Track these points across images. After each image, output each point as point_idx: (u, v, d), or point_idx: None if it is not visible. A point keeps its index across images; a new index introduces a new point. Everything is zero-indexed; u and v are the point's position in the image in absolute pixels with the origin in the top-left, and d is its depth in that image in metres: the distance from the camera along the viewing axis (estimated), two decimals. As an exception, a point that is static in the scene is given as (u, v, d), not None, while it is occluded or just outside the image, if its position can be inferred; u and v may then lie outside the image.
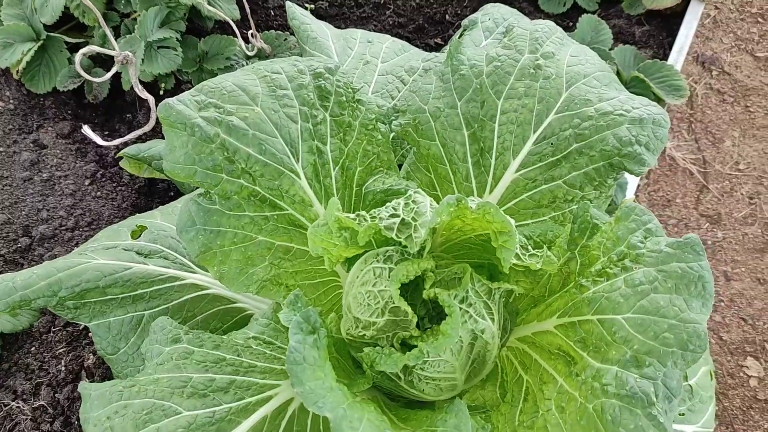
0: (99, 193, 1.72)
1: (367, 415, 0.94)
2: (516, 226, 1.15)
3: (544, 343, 1.15)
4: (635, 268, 1.04)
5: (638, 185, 2.21)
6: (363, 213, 1.06)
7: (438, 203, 1.00)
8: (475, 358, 1.13)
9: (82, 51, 1.24)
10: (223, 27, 1.97)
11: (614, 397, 0.97)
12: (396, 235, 1.01)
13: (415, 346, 1.03)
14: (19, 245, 1.62)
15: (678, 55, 1.88)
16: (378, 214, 1.05)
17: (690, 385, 1.34)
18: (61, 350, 1.51)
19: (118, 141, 1.34)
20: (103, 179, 1.75)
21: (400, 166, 1.43)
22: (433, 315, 1.14)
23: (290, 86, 1.24)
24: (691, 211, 2.20)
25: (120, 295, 1.26)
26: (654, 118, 1.22)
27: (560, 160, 1.26)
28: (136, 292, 1.27)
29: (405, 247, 1.04)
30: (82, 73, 1.28)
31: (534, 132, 1.27)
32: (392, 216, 1.03)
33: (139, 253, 1.30)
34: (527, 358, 1.18)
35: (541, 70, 1.28)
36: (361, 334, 1.10)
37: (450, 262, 1.20)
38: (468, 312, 1.09)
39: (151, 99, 1.32)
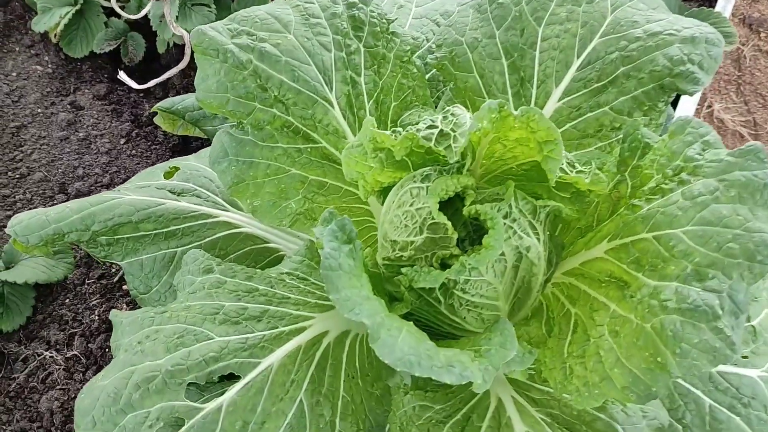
0: (134, 151, 1.71)
1: (406, 327, 0.88)
2: (562, 154, 1.09)
3: (593, 272, 1.07)
4: (693, 180, 0.97)
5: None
6: (399, 129, 1.01)
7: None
8: (520, 286, 1.06)
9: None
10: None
11: (675, 313, 0.89)
12: (435, 144, 0.95)
13: (455, 263, 0.97)
14: (55, 202, 1.61)
15: (726, 3, 1.78)
16: (416, 126, 0.99)
17: (753, 326, 1.24)
18: (94, 302, 1.49)
19: (152, 82, 1.32)
20: (138, 138, 1.73)
21: (436, 105, 1.38)
22: (474, 237, 1.07)
23: (323, 15, 1.20)
24: (742, 175, 2.09)
25: (153, 232, 1.23)
26: (707, 37, 1.14)
27: (606, 85, 1.18)
28: (169, 229, 1.24)
29: (444, 164, 0.98)
30: (125, 13, 1.26)
31: (577, 57, 1.20)
32: (430, 127, 0.97)
33: (172, 191, 1.27)
34: (575, 290, 1.11)
35: (585, -8, 1.22)
36: (398, 255, 1.04)
37: (494, 184, 1.14)
38: (512, 227, 1.02)
39: (185, 35, 1.29)
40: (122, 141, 1.72)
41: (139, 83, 1.85)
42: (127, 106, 1.79)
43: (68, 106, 1.76)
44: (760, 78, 2.26)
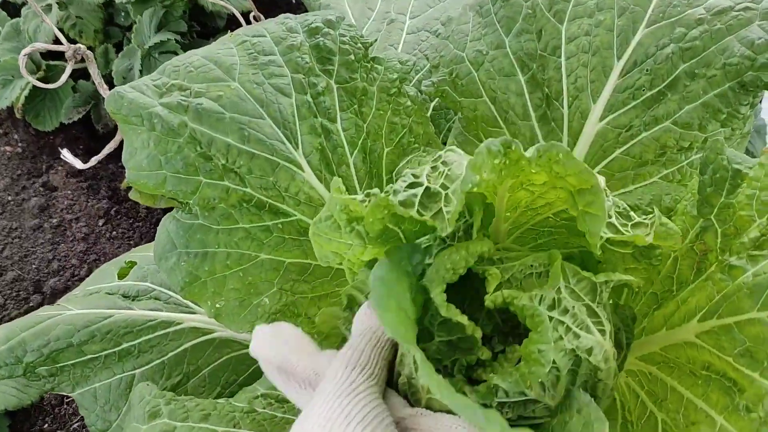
0: (114, 232, 1.48)
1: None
2: (614, 196, 0.78)
3: (683, 362, 0.75)
4: (822, 225, 0.64)
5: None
6: (375, 190, 0.71)
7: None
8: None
9: (23, 51, 0.99)
10: (231, 20, 1.70)
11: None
12: (418, 211, 0.66)
13: (483, 381, 0.67)
14: (30, 304, 1.40)
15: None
16: (393, 187, 0.69)
17: None
18: (76, 424, 1.25)
19: (93, 160, 1.08)
20: (118, 216, 1.51)
21: (444, 144, 1.08)
22: (506, 332, 0.76)
23: (277, 50, 0.93)
24: None
25: (102, 353, 0.97)
26: (802, 4, 0.80)
27: (663, 92, 0.86)
28: (122, 347, 0.98)
29: (437, 230, 0.68)
30: (27, 76, 1.03)
31: (618, 59, 0.89)
32: (412, 185, 0.68)
33: (125, 295, 1.02)
34: (659, 386, 0.79)
35: None
36: (403, 381, 0.74)
37: (524, 255, 0.82)
38: (564, 323, 0.70)
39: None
40: (100, 222, 1.50)
41: (119, 150, 1.63)
42: (104, 180, 1.57)
43: (41, 189, 1.56)
44: None
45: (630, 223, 0.71)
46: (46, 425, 1.27)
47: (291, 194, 0.90)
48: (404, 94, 0.99)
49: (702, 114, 0.85)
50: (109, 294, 1.03)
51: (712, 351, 0.70)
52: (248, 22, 1.54)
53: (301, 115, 0.92)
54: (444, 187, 0.67)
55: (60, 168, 1.58)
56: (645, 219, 0.71)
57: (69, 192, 1.54)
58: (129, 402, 0.98)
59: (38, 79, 1.60)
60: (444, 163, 0.70)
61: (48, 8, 1.60)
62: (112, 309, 0.99)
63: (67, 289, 1.41)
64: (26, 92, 1.57)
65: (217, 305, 0.90)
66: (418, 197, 0.66)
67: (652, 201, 0.86)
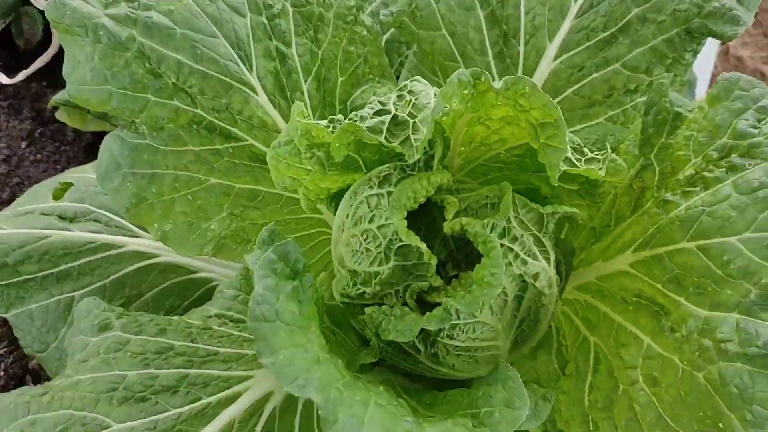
0: (39, 155, 1.43)
1: (374, 398, 0.64)
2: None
3: (615, 290, 0.83)
4: (749, 164, 0.71)
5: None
6: (338, 117, 0.74)
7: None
8: (524, 317, 0.81)
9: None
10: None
11: (739, 359, 0.65)
12: (386, 138, 0.70)
13: (438, 304, 0.72)
14: (-54, 227, 1.35)
15: None
16: (359, 114, 0.72)
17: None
18: (1, 351, 1.24)
19: (21, 75, 1.04)
20: (43, 139, 1.46)
21: (398, 78, 1.11)
22: (459, 258, 0.81)
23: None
24: None
25: (39, 274, 0.98)
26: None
27: (615, 34, 0.92)
28: (60, 268, 0.98)
29: (403, 159, 0.72)
30: None
31: (575, 1, 0.93)
32: (379, 113, 0.71)
33: (62, 217, 1.01)
34: (593, 312, 0.87)
35: None
36: (360, 291, 0.79)
37: (477, 188, 0.87)
38: (513, 250, 0.76)
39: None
40: (23, 144, 1.44)
41: (44, 70, 1.56)
42: (26, 99, 1.51)
43: (-49, 106, 1.48)
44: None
45: (584, 158, 0.77)
46: (-32, 352, 1.25)
47: (244, 118, 0.91)
48: (360, 23, 1.00)
49: (650, 58, 0.91)
50: (44, 215, 1.01)
51: (644, 279, 0.77)
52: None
53: (256, 36, 0.92)
54: (411, 115, 0.71)
55: (-23, 84, 1.51)
56: (597, 155, 0.77)
57: (-14, 110, 1.47)
58: (70, 319, 0.99)
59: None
60: (411, 92, 0.74)
61: None
62: (48, 230, 0.99)
63: (-12, 213, 1.36)
64: (-62, -2, 1.47)
65: (165, 228, 0.91)
66: (386, 124, 0.69)
67: (597, 140, 0.92)
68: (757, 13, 1.89)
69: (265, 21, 0.92)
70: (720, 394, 0.65)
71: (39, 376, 1.24)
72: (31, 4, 1.56)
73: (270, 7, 0.92)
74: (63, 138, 1.48)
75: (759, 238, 0.67)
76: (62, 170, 1.45)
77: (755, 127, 0.72)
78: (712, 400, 0.66)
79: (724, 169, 0.73)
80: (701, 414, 0.67)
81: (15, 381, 1.23)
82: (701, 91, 1.56)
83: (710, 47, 1.59)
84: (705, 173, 0.74)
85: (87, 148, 1.48)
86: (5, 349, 1.27)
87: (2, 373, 1.24)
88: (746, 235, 0.68)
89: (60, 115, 1.38)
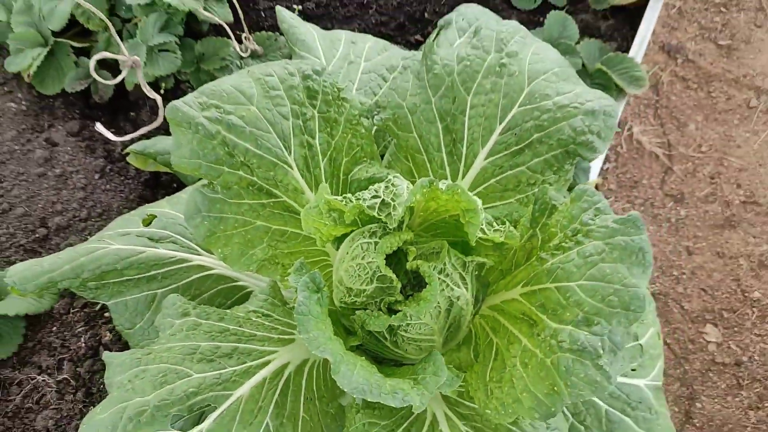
0: (108, 186, 1.85)
1: (359, 362, 1.10)
2: (485, 208, 1.31)
3: (510, 310, 1.29)
4: (586, 241, 1.19)
5: (607, 168, 2.35)
6: (349, 195, 1.21)
7: (415, 187, 1.15)
8: (452, 323, 1.28)
9: (95, 57, 1.37)
10: (217, 29, 2.09)
11: (568, 352, 1.11)
12: (377, 212, 1.16)
13: (400, 311, 1.18)
14: (37, 235, 1.76)
15: (639, 48, 2.01)
16: (362, 196, 1.19)
17: (641, 345, 1.49)
18: (80, 329, 1.65)
19: (128, 137, 1.47)
20: (112, 173, 1.88)
21: (382, 157, 1.57)
22: (414, 284, 1.28)
23: (282, 87, 1.38)
24: (657, 191, 2.35)
25: (135, 276, 1.40)
26: (605, 109, 1.36)
27: (523, 148, 1.40)
28: (150, 273, 1.41)
29: (386, 224, 1.18)
30: (97, 77, 1.41)
31: (500, 124, 1.41)
32: (374, 197, 1.17)
33: (151, 238, 1.44)
34: (497, 323, 1.33)
35: (506, 68, 1.42)
36: (352, 301, 1.24)
37: (429, 240, 1.35)
38: (445, 281, 1.23)
39: (158, 99, 1.45)
40: (97, 176, 1.86)
41: (108, 119, 1.99)
42: (99, 142, 1.93)
43: (44, 143, 1.89)
44: (675, 102, 2.51)
45: (493, 229, 1.25)
46: (55, 328, 1.65)
47: (282, 184, 1.36)
48: (361, 124, 1.46)
49: (543, 165, 1.39)
50: (139, 237, 1.44)
51: (526, 304, 1.24)
52: (234, 34, 1.94)
53: (294, 133, 1.37)
54: (392, 200, 1.17)
55: (60, 127, 1.92)
56: (500, 228, 1.25)
57: (69, 148, 1.88)
58: (153, 307, 1.42)
59: (46, 53, 1.93)
60: (393, 185, 1.20)
61: (62, -6, 1.92)
62: (143, 247, 1.42)
63: (69, 226, 1.77)
64: (38, 62, 1.89)
65: (225, 252, 1.35)
66: (378, 205, 1.16)
67: (508, 214, 1.39)
68: (658, 108, 2.42)
69: (301, 123, 1.38)
70: (557, 371, 1.11)
71: (109, 348, 1.65)
72: (107, 69, 1.99)
73: (304, 114, 1.38)
74: (127, 174, 1.90)
75: (586, 285, 1.14)
76: (125, 199, 1.87)
77: (592, 220, 1.20)
78: (553, 375, 1.12)
79: (573, 243, 1.20)
80: (547, 383, 1.13)
81: (91, 351, 1.64)
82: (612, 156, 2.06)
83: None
84: (563, 243, 1.22)
85: (144, 182, 1.90)
86: (83, 328, 1.68)
87: (83, 344, 1.65)
88: (580, 282, 1.15)
89: (130, 159, 1.80)
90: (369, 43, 1.79)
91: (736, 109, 2.48)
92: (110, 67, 1.99)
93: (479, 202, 1.17)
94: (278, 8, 1.81)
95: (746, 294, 2.12)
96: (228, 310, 1.32)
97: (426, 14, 2.32)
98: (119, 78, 1.46)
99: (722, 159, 2.40)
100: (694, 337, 2.10)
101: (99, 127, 1.52)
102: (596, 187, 2.29)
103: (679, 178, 2.36)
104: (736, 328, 2.09)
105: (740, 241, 2.23)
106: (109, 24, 1.58)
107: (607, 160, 2.34)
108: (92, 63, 1.36)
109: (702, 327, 2.12)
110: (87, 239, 1.70)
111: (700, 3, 2.74)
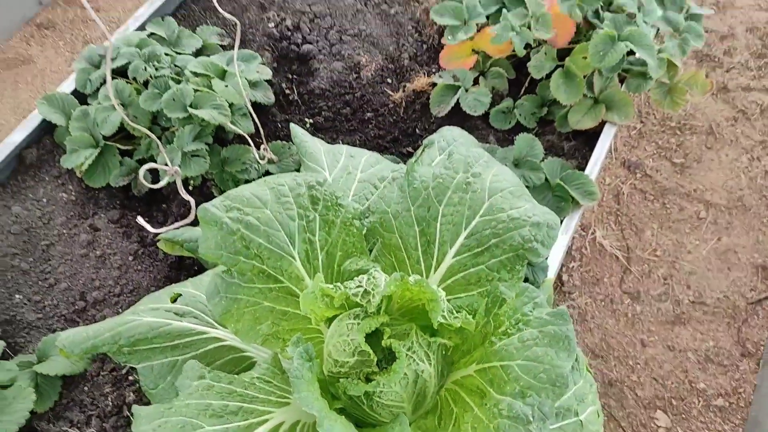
0: (140, 266, 2.15)
1: (340, 420, 1.35)
2: (453, 298, 1.60)
3: (467, 383, 1.55)
4: (525, 329, 1.47)
5: (573, 266, 2.64)
6: (339, 284, 1.50)
7: (392, 280, 1.44)
8: (418, 393, 1.54)
9: (145, 166, 1.70)
10: (240, 138, 2.45)
11: (506, 418, 1.37)
12: (360, 299, 1.44)
13: (374, 380, 1.45)
14: (76, 307, 2.03)
15: (594, 167, 2.35)
16: (349, 285, 1.48)
17: (581, 420, 1.73)
18: (107, 390, 1.90)
19: (164, 229, 1.79)
20: (143, 256, 2.18)
21: (371, 251, 1.88)
22: (389, 359, 1.54)
23: (291, 194, 1.69)
24: (616, 289, 2.63)
25: (162, 345, 1.67)
26: (548, 222, 1.66)
27: (483, 251, 1.69)
28: (174, 342, 1.68)
29: (366, 308, 1.47)
30: (143, 181, 1.74)
31: (464, 230, 1.71)
32: (358, 286, 1.46)
33: (176, 313, 1.73)
34: (457, 395, 1.58)
35: (471, 185, 1.74)
36: (338, 370, 1.51)
37: (403, 323, 1.63)
38: (412, 357, 1.50)
39: (192, 201, 1.78)
40: (130, 258, 2.16)
41: (143, 209, 2.32)
42: (135, 229, 2.24)
43: (88, 228, 2.21)
44: (634, 211, 2.83)
45: (453, 316, 1.53)
46: (87, 388, 1.90)
47: (288, 272, 1.66)
48: (354, 225, 1.77)
49: (499, 265, 1.68)
50: (166, 311, 1.73)
51: (479, 379, 1.50)
52: (254, 143, 2.30)
53: (299, 231, 1.68)
54: (372, 289, 1.46)
55: (103, 215, 2.24)
56: (458, 315, 1.53)
57: (109, 234, 2.20)
58: (174, 371, 1.68)
59: (98, 153, 2.28)
60: (374, 277, 1.49)
61: (114, 107, 2.30)
62: (169, 320, 1.70)
63: (104, 300, 2.05)
64: (89, 161, 2.24)
65: (237, 327, 1.63)
66: (361, 293, 1.45)
67: (469, 304, 1.68)
68: (619, 215, 2.73)
69: (304, 223, 1.69)
70: (498, 434, 1.37)
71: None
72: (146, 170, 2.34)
73: (308, 216, 1.69)
74: (156, 257, 2.20)
75: (523, 364, 1.41)
76: (153, 278, 2.16)
77: (531, 311, 1.48)
78: (495, 437, 1.38)
79: (516, 329, 1.48)
80: (491, 443, 1.38)
81: (117, 409, 1.89)
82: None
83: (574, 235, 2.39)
84: (509, 330, 1.49)
85: (170, 264, 2.20)
86: (110, 389, 1.94)
87: (110, 402, 1.89)
88: (518, 362, 1.41)
89: (160, 244, 2.11)
90: (365, 156, 2.13)
91: (688, 220, 2.80)
92: (145, 163, 2.34)
93: (441, 293, 1.46)
94: (292, 125, 2.17)
95: (693, 384, 2.35)
96: (236, 376, 1.58)
97: (417, 130, 2.68)
98: (162, 183, 1.79)
99: (674, 263, 2.68)
100: (646, 422, 2.32)
101: (140, 220, 1.83)
102: (556, 282, 2.57)
103: (636, 278, 2.64)
104: (683, 415, 2.31)
105: (689, 337, 2.48)
106: (152, 135, 1.93)
107: (572, 259, 2.63)
108: (142, 171, 1.69)
109: (653, 413, 2.34)
110: (119, 312, 1.99)
111: (658, 126, 3.11)
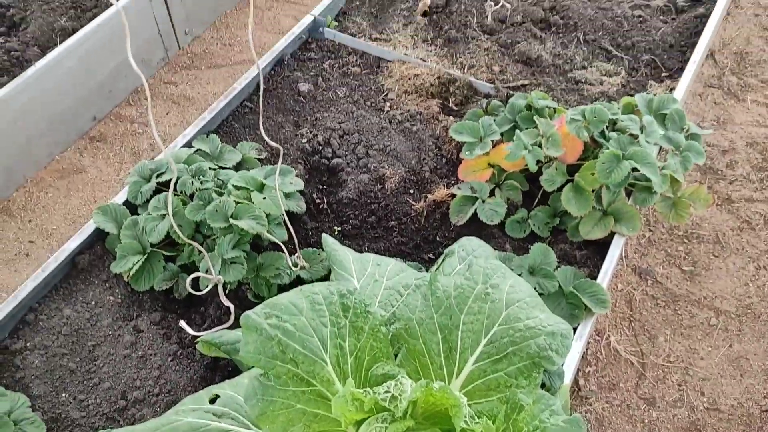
0: (178, 367, 2.27)
1: None
2: (473, 404, 1.69)
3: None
4: (544, 431, 1.55)
5: (589, 371, 2.71)
6: (368, 389, 1.61)
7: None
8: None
9: (192, 276, 1.86)
10: (274, 244, 2.63)
11: None
12: (388, 404, 1.55)
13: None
14: (117, 406, 2.14)
15: (605, 276, 2.47)
16: (377, 390, 1.59)
17: None
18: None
19: (205, 333, 1.92)
20: (181, 357, 2.30)
21: (396, 356, 1.99)
22: (413, 456, 1.63)
23: (324, 303, 1.84)
24: (632, 394, 2.68)
25: (200, 443, 1.77)
26: (562, 332, 1.78)
27: (501, 358, 1.80)
28: (211, 442, 1.78)
29: (394, 413, 1.57)
30: (189, 289, 1.90)
31: (484, 338, 1.83)
32: (386, 392, 1.57)
33: (215, 414, 1.83)
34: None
35: (489, 296, 1.87)
36: (368, 467, 1.59)
37: (427, 427, 1.72)
38: (437, 458, 1.58)
39: (232, 307, 1.92)
40: (170, 359, 2.29)
41: (183, 311, 2.46)
42: (174, 330, 2.38)
43: (131, 329, 2.35)
44: (646, 317, 2.92)
45: (474, 421, 1.62)
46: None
47: (320, 376, 1.77)
48: (381, 331, 1.90)
49: (517, 372, 1.79)
50: (206, 412, 1.83)
51: (500, 483, 1.57)
52: (287, 247, 2.47)
53: (330, 337, 1.81)
54: (399, 394, 1.57)
55: (146, 317, 2.39)
56: (479, 421, 1.62)
57: (150, 335, 2.33)
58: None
59: (144, 259, 2.46)
60: (400, 383, 1.60)
61: (162, 216, 2.50)
62: (209, 421, 1.80)
63: (144, 399, 2.16)
64: (136, 266, 2.42)
65: (272, 428, 1.73)
66: (388, 398, 1.55)
67: (489, 410, 1.77)
68: (632, 321, 2.83)
69: (336, 330, 1.82)
70: None
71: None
72: (186, 272, 2.51)
73: (339, 323, 1.83)
74: (193, 357, 2.32)
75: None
76: (190, 379, 2.27)
77: (548, 418, 1.58)
78: None
79: (534, 435, 1.57)
80: None
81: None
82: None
83: (578, 343, 2.48)
84: (527, 435, 1.58)
85: (206, 365, 2.31)
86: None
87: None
88: None
89: (199, 346, 2.24)
90: (390, 264, 2.29)
91: (699, 326, 2.87)
92: (189, 269, 2.51)
93: (463, 399, 1.56)
94: (324, 236, 2.34)
95: (713, 492, 2.35)
96: (271, 474, 1.67)
97: (437, 238, 2.85)
98: (205, 290, 1.95)
99: (688, 369, 2.74)
100: None
101: (182, 324, 1.97)
102: (573, 387, 2.63)
103: (651, 384, 2.70)
104: None
105: (706, 443, 2.51)
106: (196, 244, 2.11)
107: (588, 364, 2.70)
108: (189, 280, 1.85)
109: None
110: (157, 411, 2.09)
111: (666, 234, 3.25)
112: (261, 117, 1.97)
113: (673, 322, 2.90)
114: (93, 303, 2.41)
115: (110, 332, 2.32)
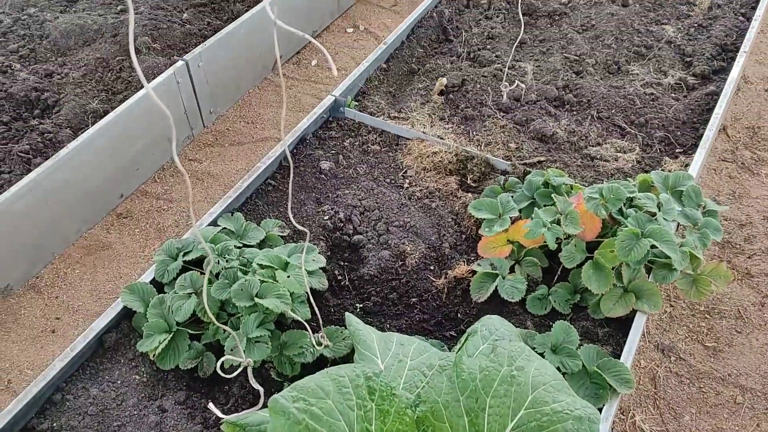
0: (200, 447, 2.28)
1: None
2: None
3: None
4: None
5: (615, 452, 2.67)
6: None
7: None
8: None
9: (223, 359, 1.90)
10: (298, 322, 2.67)
11: None
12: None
13: None
14: (139, 486, 2.14)
15: (628, 354, 2.48)
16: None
17: None
18: None
19: (233, 416, 1.95)
20: (204, 437, 2.32)
21: (422, 439, 1.99)
22: None
23: (350, 385, 1.86)
24: (661, 476, 2.62)
25: None
26: (589, 416, 1.79)
27: (529, 442, 1.81)
28: None
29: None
30: (221, 373, 1.94)
31: (511, 421, 1.84)
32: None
33: (240, 498, 1.83)
34: None
35: (515, 378, 1.89)
36: None
37: None
38: None
39: (261, 390, 1.95)
40: (193, 440, 2.30)
41: (206, 390, 2.49)
42: (198, 410, 2.40)
43: (156, 409, 2.37)
44: (671, 395, 2.89)
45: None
46: None
47: (346, 461, 1.78)
48: (407, 414, 1.91)
49: (545, 456, 1.79)
50: (231, 497, 1.84)
51: None
52: (310, 325, 2.50)
53: (358, 420, 1.82)
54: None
55: (171, 396, 2.41)
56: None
57: (175, 414, 2.35)
58: None
59: (170, 338, 2.50)
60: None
61: (188, 295, 2.56)
62: (235, 506, 1.80)
63: (167, 482, 2.16)
64: (163, 345, 2.46)
65: None
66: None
67: (518, 496, 1.75)
68: (657, 399, 2.80)
69: (362, 413, 1.84)
70: None
71: None
72: (210, 350, 2.55)
73: (365, 406, 1.85)
74: (216, 438, 2.33)
75: None
76: (213, 459, 2.27)
77: (579, 506, 1.57)
78: None
79: None
80: None
81: None
82: None
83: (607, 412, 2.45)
84: None
85: (228, 446, 2.32)
86: None
87: None
88: None
89: (223, 427, 2.25)
90: (414, 345, 2.31)
91: (725, 404, 2.84)
92: (213, 347, 2.55)
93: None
94: (347, 314, 2.39)
95: None
96: None
97: (459, 314, 2.88)
98: (235, 373, 1.98)
99: (718, 449, 2.69)
100: None
101: (211, 406, 2.00)
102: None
103: (680, 465, 2.64)
104: None
105: None
106: (225, 327, 2.15)
107: (614, 444, 2.66)
108: (219, 362, 1.89)
109: None
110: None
111: (687, 310, 3.26)
112: (290, 203, 2.06)
113: (698, 400, 2.86)
114: (119, 382, 2.45)
115: (135, 412, 2.34)
